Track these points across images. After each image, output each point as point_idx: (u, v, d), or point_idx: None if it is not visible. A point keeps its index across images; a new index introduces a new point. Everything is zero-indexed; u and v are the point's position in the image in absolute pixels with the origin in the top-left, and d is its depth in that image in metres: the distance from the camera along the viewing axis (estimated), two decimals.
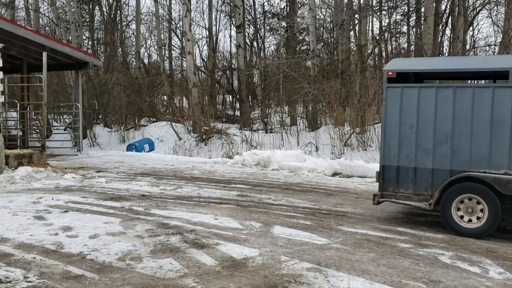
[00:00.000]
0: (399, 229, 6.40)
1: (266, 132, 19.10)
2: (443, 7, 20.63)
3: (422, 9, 19.30)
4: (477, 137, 6.26)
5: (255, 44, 27.76)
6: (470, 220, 6.20)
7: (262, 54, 27.51)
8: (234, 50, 26.18)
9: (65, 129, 21.30)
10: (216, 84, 25.39)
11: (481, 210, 6.13)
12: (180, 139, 19.08)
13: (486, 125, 6.20)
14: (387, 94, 6.86)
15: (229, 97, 26.68)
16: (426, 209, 6.56)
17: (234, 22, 23.94)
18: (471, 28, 23.10)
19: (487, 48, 23.19)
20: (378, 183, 6.98)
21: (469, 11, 20.68)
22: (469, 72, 7.23)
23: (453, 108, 6.41)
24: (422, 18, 18.88)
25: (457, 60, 9.28)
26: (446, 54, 20.83)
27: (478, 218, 6.16)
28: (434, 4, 18.12)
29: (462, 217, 6.25)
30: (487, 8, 21.70)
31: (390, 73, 6.80)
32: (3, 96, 11.00)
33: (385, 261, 4.93)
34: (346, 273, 4.50)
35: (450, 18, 20.59)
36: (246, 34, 25.64)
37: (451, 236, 6.13)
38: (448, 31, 21.82)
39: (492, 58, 9.89)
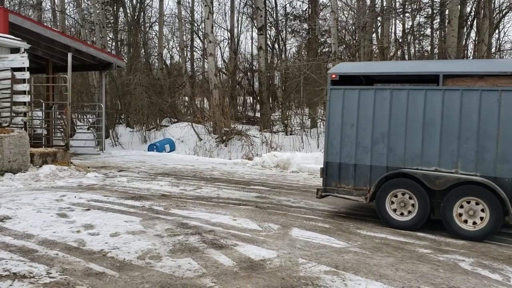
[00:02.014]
0: (418, 234, 6.34)
1: (286, 134, 19.11)
2: (468, 9, 20.29)
3: (447, 12, 19.02)
4: (411, 136, 6.62)
5: (276, 46, 27.81)
6: (402, 214, 6.55)
7: (283, 56, 27.53)
8: (255, 52, 26.29)
9: (88, 129, 21.69)
10: (237, 86, 25.51)
11: (412, 204, 6.49)
12: (200, 139, 19.23)
13: (419, 125, 6.56)
14: (330, 96, 7.19)
15: (249, 98, 26.79)
16: (363, 203, 6.97)
17: (255, 24, 24.02)
18: (496, 31, 22.69)
19: None
20: (322, 179, 7.36)
21: (495, 13, 20.32)
22: (409, 75, 7.36)
23: (390, 108, 6.75)
24: (446, 21, 18.61)
25: (396, 65, 9.63)
26: (471, 57, 20.49)
27: (409, 211, 6.50)
28: (459, 6, 17.84)
29: (395, 210, 6.60)
30: None
31: (333, 76, 7.15)
32: (29, 96, 11.27)
33: (404, 266, 4.89)
34: (364, 277, 4.48)
35: (475, 21, 20.25)
36: (268, 36, 25.71)
37: (472, 243, 6.04)
38: (473, 34, 21.49)
39: (428, 63, 9.98)
